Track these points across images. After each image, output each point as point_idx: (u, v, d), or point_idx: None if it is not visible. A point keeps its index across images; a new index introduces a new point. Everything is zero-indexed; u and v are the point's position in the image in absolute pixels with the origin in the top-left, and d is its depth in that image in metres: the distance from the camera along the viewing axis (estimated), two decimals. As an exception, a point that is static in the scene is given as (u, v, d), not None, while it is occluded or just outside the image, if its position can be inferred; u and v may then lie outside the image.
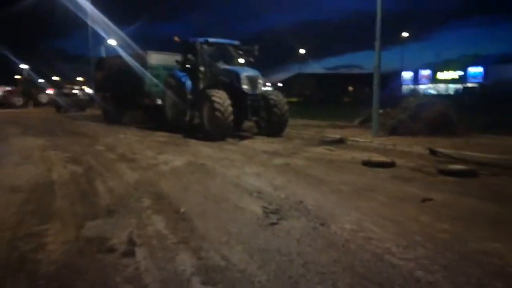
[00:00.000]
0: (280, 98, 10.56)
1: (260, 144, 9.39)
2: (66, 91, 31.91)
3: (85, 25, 29.65)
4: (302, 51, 69.81)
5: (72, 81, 45.23)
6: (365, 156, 7.29)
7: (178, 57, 12.51)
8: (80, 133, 12.24)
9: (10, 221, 3.83)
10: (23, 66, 46.20)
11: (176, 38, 11.90)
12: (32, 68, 46.23)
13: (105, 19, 30.32)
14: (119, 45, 30.96)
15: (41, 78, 44.63)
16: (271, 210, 4.09)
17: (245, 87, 10.16)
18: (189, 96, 11.49)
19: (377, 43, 9.23)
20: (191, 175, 5.87)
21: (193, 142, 9.81)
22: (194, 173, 6.05)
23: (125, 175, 5.90)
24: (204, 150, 8.48)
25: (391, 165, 6.41)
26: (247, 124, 12.30)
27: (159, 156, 7.60)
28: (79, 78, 54.55)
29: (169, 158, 7.42)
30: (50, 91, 37.45)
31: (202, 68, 11.10)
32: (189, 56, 11.56)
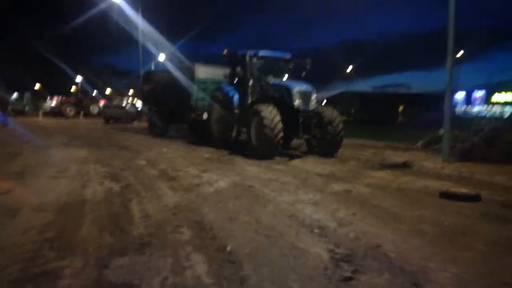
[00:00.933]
0: (335, 115, 9.64)
1: (312, 165, 8.51)
2: (115, 103, 32.70)
3: (136, 41, 30.25)
4: (348, 69, 68.37)
5: (121, 94, 46.50)
6: (438, 184, 6.25)
7: (227, 71, 12.01)
8: (124, 146, 11.90)
9: (25, 250, 3.20)
10: (78, 78, 48.15)
11: (225, 51, 11.37)
12: (86, 80, 48.08)
13: (156, 34, 30.87)
14: (168, 59, 31.39)
15: (93, 90, 46.26)
16: (341, 256, 3.21)
17: (297, 102, 9.37)
18: (236, 111, 10.86)
19: (449, 58, 8.14)
20: (238, 200, 5.10)
21: (239, 159, 9.09)
22: (241, 197, 5.28)
23: (165, 197, 5.23)
24: (251, 169, 7.72)
25: (476, 198, 5.33)
26: (296, 142, 11.49)
27: (202, 175, 6.93)
28: (130, 92, 56.15)
29: (213, 177, 6.72)
30: (101, 103, 38.66)
31: (251, 82, 10.45)
32: (238, 69, 10.97)
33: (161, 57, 34.98)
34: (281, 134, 8.93)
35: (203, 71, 13.71)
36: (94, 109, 36.96)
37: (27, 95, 46.13)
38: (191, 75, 13.75)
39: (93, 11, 32.69)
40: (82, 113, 34.43)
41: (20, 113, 35.25)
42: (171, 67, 16.35)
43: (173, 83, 14.72)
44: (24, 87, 49.45)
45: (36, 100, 47.52)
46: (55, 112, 34.52)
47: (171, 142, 13.40)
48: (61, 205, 4.63)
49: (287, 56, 11.05)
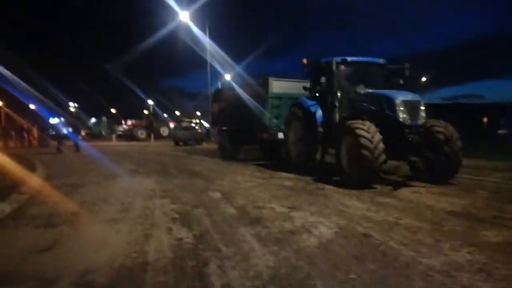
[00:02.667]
0: (450, 131, 7.64)
1: (430, 196, 6.61)
2: (184, 125, 32.69)
3: (202, 63, 30.23)
4: (421, 80, 64.24)
5: (189, 116, 47.06)
6: None
7: (303, 84, 10.56)
8: (194, 173, 10.75)
9: None
10: (149, 101, 49.60)
11: (305, 60, 9.91)
12: (156, 103, 49.38)
13: (221, 53, 30.57)
14: (235, 80, 30.88)
15: (163, 113, 47.36)
16: None
17: (402, 116, 7.55)
18: (320, 129, 9.28)
19: None
20: (361, 265, 3.44)
21: (329, 189, 7.44)
22: (362, 258, 3.62)
23: (253, 256, 3.72)
24: (352, 204, 6.04)
25: None
26: (390, 163, 9.50)
27: (293, 214, 5.38)
28: (197, 113, 56.99)
29: (308, 218, 5.14)
30: (171, 125, 39.21)
31: (339, 94, 8.81)
32: (321, 80, 9.41)
33: (227, 77, 34.70)
34: (383, 157, 7.17)
35: (278, 86, 12.38)
36: (164, 131, 37.52)
37: (103, 119, 48.46)
38: (264, 91, 12.49)
39: (161, 35, 33.28)
40: (152, 135, 34.88)
41: (95, 136, 36.69)
42: (241, 84, 15.30)
43: (243, 100, 13.59)
44: (100, 112, 52.07)
45: (111, 124, 49.71)
46: (127, 135, 35.41)
47: (243, 166, 12.08)
48: (114, 274, 3.29)
49: (381, 61, 9.27)
